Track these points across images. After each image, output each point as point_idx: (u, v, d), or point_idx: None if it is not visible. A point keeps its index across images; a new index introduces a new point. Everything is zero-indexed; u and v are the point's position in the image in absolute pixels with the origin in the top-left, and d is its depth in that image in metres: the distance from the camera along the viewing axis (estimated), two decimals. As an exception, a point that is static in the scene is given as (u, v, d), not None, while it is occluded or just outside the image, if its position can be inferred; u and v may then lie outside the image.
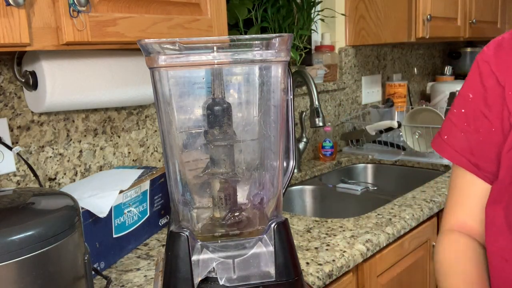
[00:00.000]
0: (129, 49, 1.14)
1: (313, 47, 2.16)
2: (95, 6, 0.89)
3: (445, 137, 0.81)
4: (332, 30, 2.16)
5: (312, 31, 1.98)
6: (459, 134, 0.79)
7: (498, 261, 0.76)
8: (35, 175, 1.09)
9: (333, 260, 1.05)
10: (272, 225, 0.67)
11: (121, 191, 1.06)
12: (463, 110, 0.79)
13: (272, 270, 0.67)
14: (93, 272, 0.79)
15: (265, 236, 0.68)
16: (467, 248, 0.81)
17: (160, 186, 1.21)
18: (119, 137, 1.34)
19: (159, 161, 1.46)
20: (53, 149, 1.20)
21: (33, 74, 1.03)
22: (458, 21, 2.22)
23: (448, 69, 2.84)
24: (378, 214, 1.33)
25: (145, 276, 1.01)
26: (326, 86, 2.06)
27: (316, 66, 2.03)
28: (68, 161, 1.23)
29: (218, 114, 0.67)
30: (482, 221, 0.80)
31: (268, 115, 0.69)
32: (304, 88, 1.92)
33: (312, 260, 1.05)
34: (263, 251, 0.68)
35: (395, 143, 2.07)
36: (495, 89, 0.75)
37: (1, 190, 0.78)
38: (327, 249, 1.11)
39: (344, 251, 1.10)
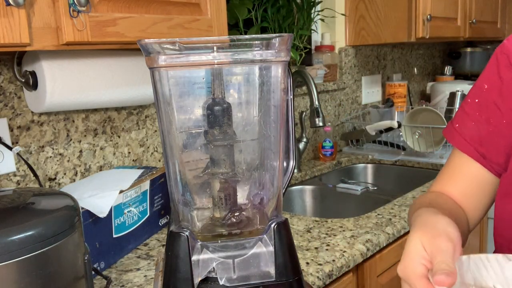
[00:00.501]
0: (129, 49, 1.14)
1: (313, 47, 2.16)
2: (95, 6, 0.89)
3: (457, 125, 0.82)
4: (332, 30, 2.16)
5: (312, 31, 1.98)
6: (470, 123, 0.80)
7: (505, 253, 0.76)
8: (35, 175, 1.09)
9: (333, 260, 1.05)
10: (272, 225, 0.67)
11: (121, 191, 1.06)
12: (476, 100, 0.79)
13: (272, 270, 0.67)
14: (93, 272, 0.79)
15: (265, 236, 0.68)
16: (446, 198, 0.81)
17: (160, 186, 1.21)
18: (119, 137, 1.34)
19: (159, 161, 1.46)
20: (53, 149, 1.20)
21: (33, 74, 1.03)
22: (458, 21, 2.22)
23: (448, 69, 2.84)
24: (378, 214, 1.33)
25: (145, 276, 1.01)
26: (326, 86, 2.06)
27: (316, 66, 2.03)
28: (68, 161, 1.23)
29: (218, 114, 0.67)
30: (468, 198, 0.81)
31: (268, 115, 0.69)
32: (304, 88, 1.92)
33: (312, 260, 1.05)
34: (263, 251, 0.68)
35: (395, 143, 2.07)
36: None
37: (1, 190, 0.78)
38: (327, 249, 1.11)
39: (344, 251, 1.10)
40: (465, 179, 0.81)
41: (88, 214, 0.98)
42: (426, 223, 0.62)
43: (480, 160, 0.79)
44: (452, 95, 2.24)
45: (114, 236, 1.07)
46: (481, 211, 0.82)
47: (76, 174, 1.25)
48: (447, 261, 0.53)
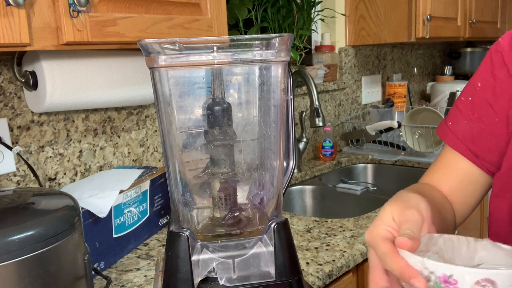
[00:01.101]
0: (129, 49, 1.14)
1: (313, 47, 2.16)
2: (95, 6, 0.89)
3: (450, 123, 0.82)
4: (332, 30, 2.16)
5: (312, 31, 1.98)
6: (463, 121, 0.79)
7: None
8: (35, 175, 1.09)
9: (333, 260, 1.05)
10: (272, 225, 0.67)
11: (121, 191, 1.06)
12: (470, 98, 0.79)
13: (272, 270, 0.67)
14: (93, 272, 0.79)
15: (265, 236, 0.68)
16: (434, 189, 0.81)
17: (160, 186, 1.21)
18: (119, 137, 1.34)
19: (159, 161, 1.46)
20: (53, 149, 1.20)
21: (33, 74, 1.03)
22: (458, 21, 2.22)
23: (448, 69, 2.84)
24: (378, 214, 1.32)
25: (145, 276, 1.01)
26: (326, 86, 2.06)
27: (316, 66, 2.03)
28: (68, 161, 1.23)
29: (218, 114, 0.67)
30: (457, 194, 0.81)
31: (268, 115, 0.69)
32: (304, 88, 1.92)
33: (312, 260, 1.05)
34: (263, 251, 0.68)
35: (395, 143, 2.07)
36: (505, 80, 0.75)
37: (1, 190, 0.78)
38: (327, 249, 1.11)
39: (344, 251, 1.10)
40: (456, 175, 0.81)
41: (88, 214, 0.98)
42: (400, 199, 0.62)
43: (472, 159, 0.79)
44: (452, 95, 2.24)
45: (114, 236, 1.07)
46: (469, 207, 0.82)
47: (76, 174, 1.25)
48: (413, 229, 0.54)
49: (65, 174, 1.23)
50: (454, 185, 0.81)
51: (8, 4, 0.76)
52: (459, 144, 0.80)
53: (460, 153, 0.80)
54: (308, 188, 1.79)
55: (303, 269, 1.01)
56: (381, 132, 1.96)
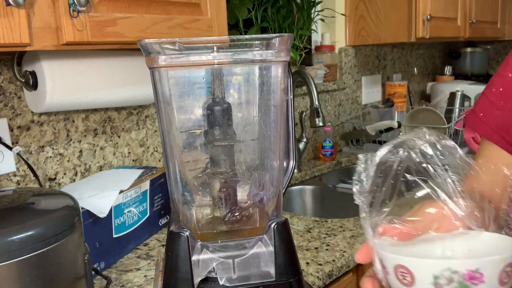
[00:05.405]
0: (129, 49, 1.14)
1: (313, 47, 2.16)
2: (95, 6, 0.89)
3: (481, 114, 0.81)
4: (332, 30, 2.16)
5: (312, 31, 1.98)
6: (496, 112, 0.79)
7: None
8: (35, 175, 1.09)
9: (333, 260, 1.05)
10: (272, 225, 0.67)
11: (121, 191, 1.06)
12: (501, 89, 0.79)
13: (272, 270, 0.67)
14: (93, 272, 0.79)
15: (265, 236, 0.68)
16: None
17: (160, 186, 1.21)
18: (119, 137, 1.34)
19: (159, 161, 1.46)
20: (53, 149, 1.20)
21: (33, 74, 1.03)
22: (458, 21, 2.22)
23: (448, 69, 2.84)
24: (378, 214, 1.32)
25: (145, 276, 1.01)
26: (326, 86, 2.06)
27: (316, 66, 2.03)
28: (68, 161, 1.23)
29: (218, 114, 0.67)
30: (499, 186, 0.81)
31: (268, 115, 0.69)
32: (304, 88, 1.92)
33: (312, 260, 1.05)
34: (263, 251, 0.68)
35: (395, 143, 2.06)
36: None
37: (1, 190, 0.78)
38: (327, 249, 1.11)
39: (344, 251, 1.10)
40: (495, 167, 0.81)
41: (88, 214, 0.98)
42: None
43: (508, 149, 0.78)
44: (452, 95, 2.24)
45: (114, 236, 1.07)
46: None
47: (76, 174, 1.25)
48: None
49: (65, 174, 1.23)
50: (497, 181, 0.81)
51: (8, 4, 0.76)
52: (493, 134, 0.79)
53: (494, 143, 0.79)
54: (308, 188, 1.79)
55: (303, 269, 1.01)
56: (381, 132, 1.96)
